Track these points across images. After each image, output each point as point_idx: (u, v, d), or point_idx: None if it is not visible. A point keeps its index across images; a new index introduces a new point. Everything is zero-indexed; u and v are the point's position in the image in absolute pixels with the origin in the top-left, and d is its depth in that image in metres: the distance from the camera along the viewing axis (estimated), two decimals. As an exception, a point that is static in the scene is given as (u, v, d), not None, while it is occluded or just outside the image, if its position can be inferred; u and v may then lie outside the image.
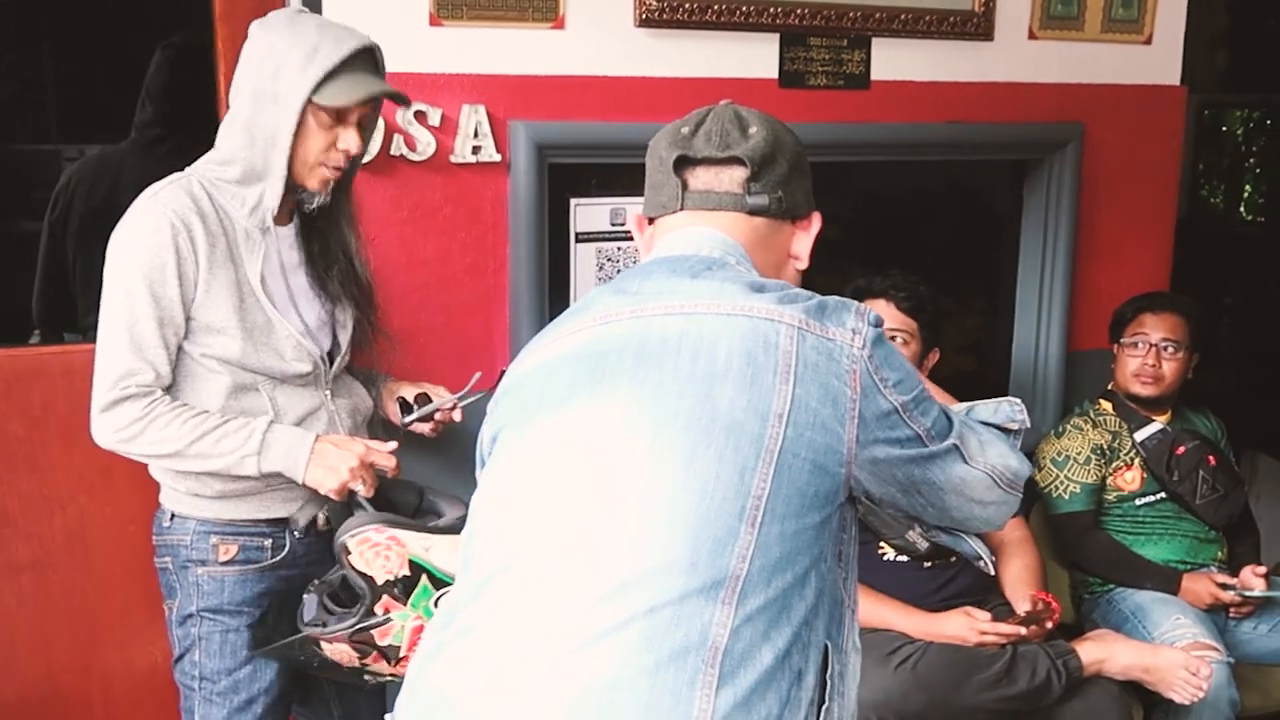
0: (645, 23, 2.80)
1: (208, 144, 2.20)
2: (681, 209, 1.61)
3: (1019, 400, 1.68)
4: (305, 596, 2.18)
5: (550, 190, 2.80)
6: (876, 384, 1.43)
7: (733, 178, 1.59)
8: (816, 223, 1.66)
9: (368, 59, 2.17)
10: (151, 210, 2.10)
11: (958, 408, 1.62)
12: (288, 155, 2.11)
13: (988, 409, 1.65)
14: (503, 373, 2.42)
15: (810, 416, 1.39)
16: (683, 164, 1.61)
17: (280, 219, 2.19)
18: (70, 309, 2.88)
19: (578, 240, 2.90)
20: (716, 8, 2.85)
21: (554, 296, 2.85)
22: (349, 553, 2.07)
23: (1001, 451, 1.56)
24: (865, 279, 2.98)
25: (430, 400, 2.41)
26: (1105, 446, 3.16)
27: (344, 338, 2.32)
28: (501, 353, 2.81)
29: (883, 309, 2.89)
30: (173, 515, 2.22)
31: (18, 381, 2.55)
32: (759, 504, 1.35)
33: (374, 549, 2.07)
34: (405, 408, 2.41)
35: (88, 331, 2.73)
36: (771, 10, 2.90)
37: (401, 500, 2.26)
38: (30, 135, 2.94)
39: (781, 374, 1.40)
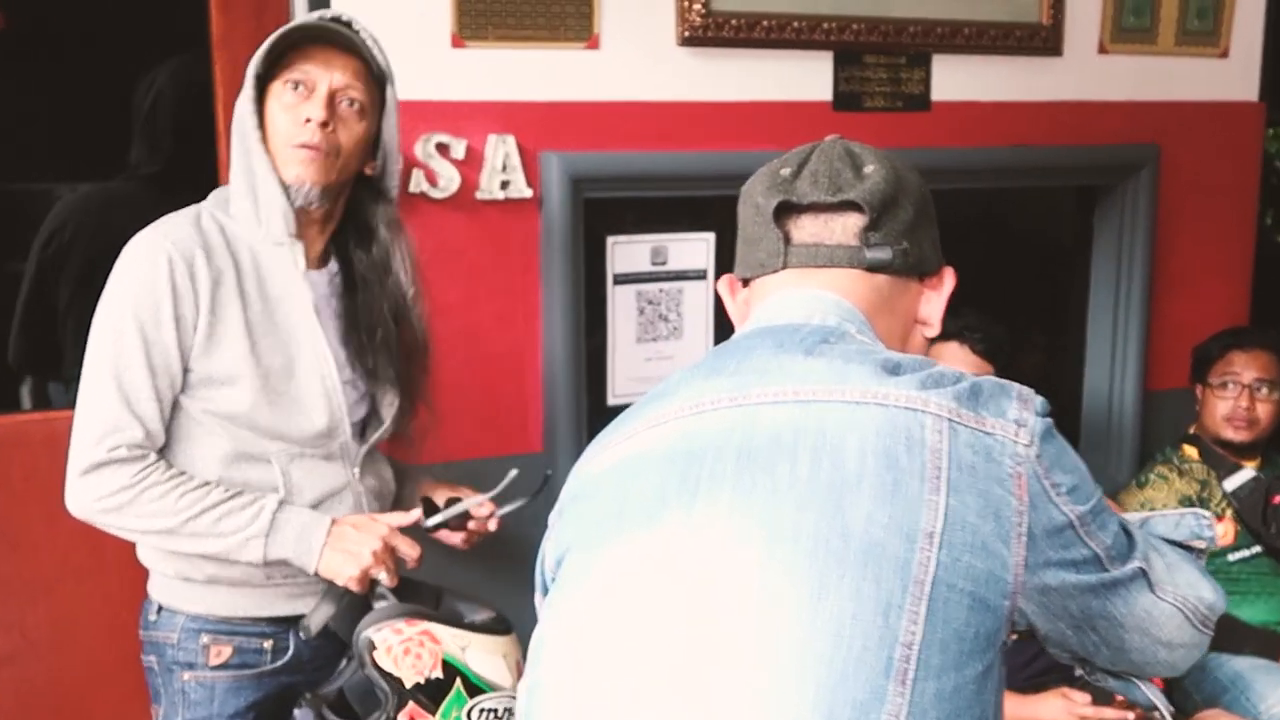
0: (688, 41, 2.53)
1: (208, 179, 1.92)
2: (784, 267, 1.31)
3: (1206, 512, 1.36)
4: (297, 713, 1.85)
5: (585, 228, 2.52)
6: (1047, 491, 1.13)
7: (846, 227, 1.30)
8: (949, 280, 1.36)
9: (341, 35, 1.88)
10: (149, 242, 1.83)
11: (1132, 518, 1.32)
12: (259, 141, 1.84)
13: (1167, 523, 1.34)
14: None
15: (968, 535, 1.09)
16: (785, 212, 1.31)
17: (312, 260, 1.92)
18: (55, 354, 2.59)
19: (616, 282, 2.62)
20: (766, 23, 2.57)
21: (590, 347, 2.57)
22: (374, 649, 1.78)
23: (1192, 579, 1.25)
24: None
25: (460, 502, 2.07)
26: (1193, 496, 2.88)
27: (387, 413, 2.02)
28: (535, 415, 2.53)
29: (955, 353, 2.61)
30: (160, 608, 1.92)
31: (-2, 451, 2.27)
32: (910, 654, 1.05)
33: (404, 644, 1.77)
34: (430, 508, 2.05)
35: (72, 383, 2.47)
36: (825, 25, 2.63)
37: (414, 602, 1.95)
38: (20, 173, 2.65)
39: (930, 480, 1.10)
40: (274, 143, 1.86)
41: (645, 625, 1.13)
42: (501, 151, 2.41)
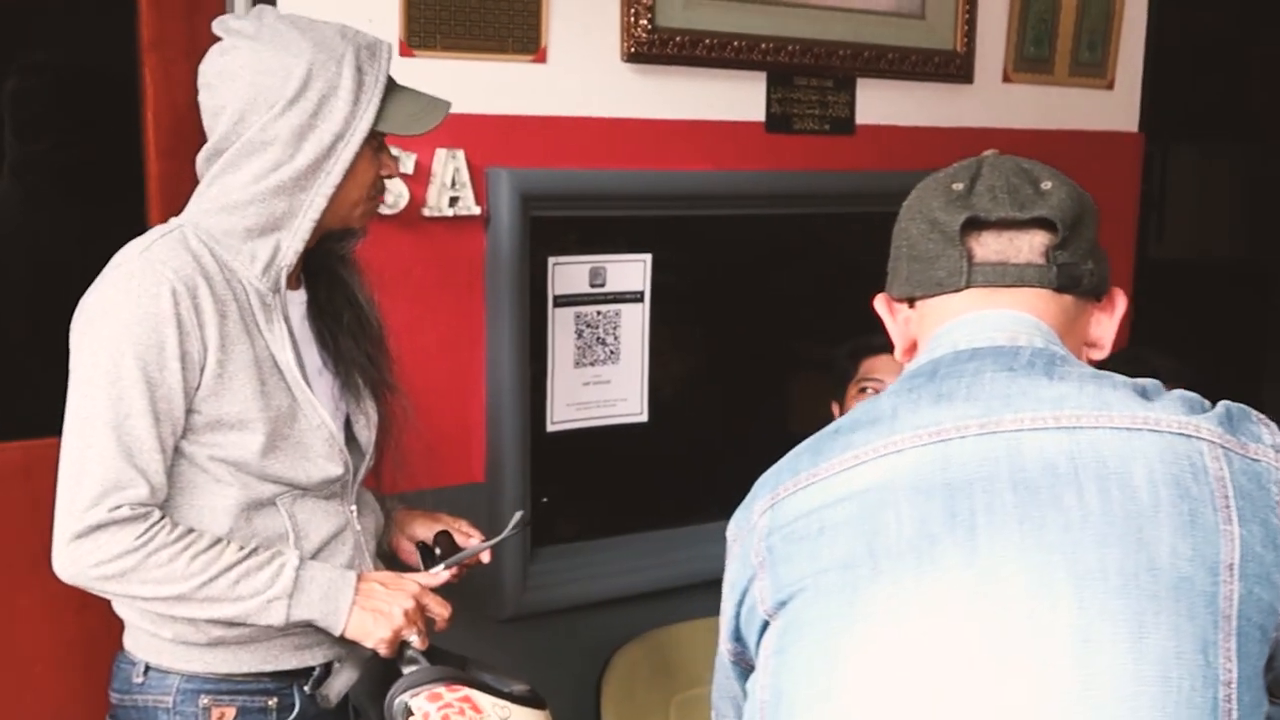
0: (633, 57, 2.46)
1: (126, 184, 1.80)
2: (967, 286, 1.26)
3: None
4: None
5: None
6: None
7: (1033, 245, 1.25)
8: (1122, 302, 1.33)
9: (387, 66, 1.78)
10: (145, 271, 1.62)
11: None
12: (330, 196, 1.69)
13: None
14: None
15: (1257, 566, 1.06)
16: (967, 228, 1.26)
17: (290, 281, 1.74)
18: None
19: (556, 304, 2.52)
20: (708, 41, 2.53)
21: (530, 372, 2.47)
22: (410, 714, 1.63)
23: None
24: (861, 337, 2.69)
25: (454, 541, 1.93)
26: None
27: (366, 436, 1.87)
28: (478, 444, 2.41)
29: (890, 363, 2.59)
30: (148, 668, 1.72)
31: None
32: (1230, 693, 1.02)
33: (443, 711, 1.63)
34: (426, 553, 1.92)
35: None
36: (763, 45, 2.61)
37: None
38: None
39: (1222, 510, 1.07)
40: (349, 194, 1.73)
41: (944, 674, 1.06)
42: (451, 167, 2.29)
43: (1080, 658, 1.03)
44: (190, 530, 1.63)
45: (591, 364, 2.58)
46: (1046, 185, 1.27)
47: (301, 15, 1.78)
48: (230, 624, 1.66)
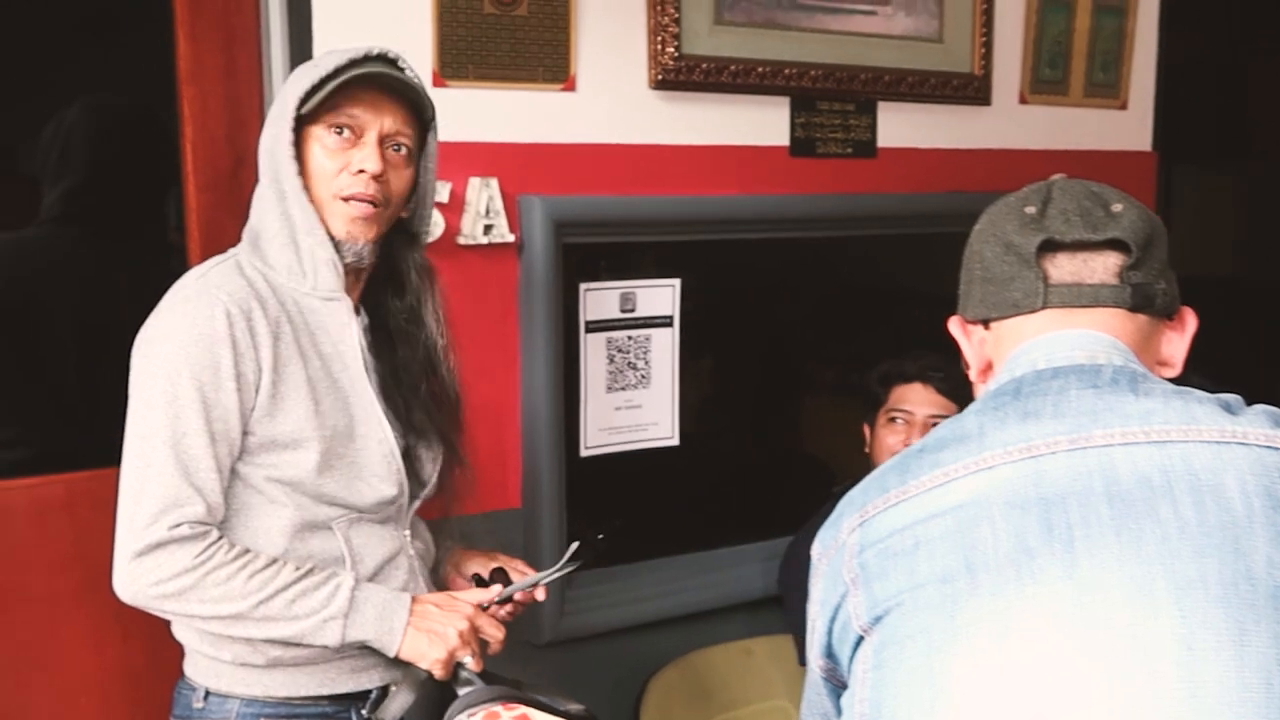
0: (660, 84, 2.49)
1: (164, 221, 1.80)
2: (1043, 307, 1.28)
3: None
4: None
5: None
6: None
7: (1106, 266, 1.28)
8: (1192, 321, 1.35)
9: (388, 69, 1.75)
10: (201, 295, 1.65)
11: None
12: (302, 189, 1.69)
13: None
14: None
15: None
16: (1044, 250, 1.28)
17: (352, 295, 1.77)
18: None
19: (588, 330, 2.54)
20: (733, 68, 2.56)
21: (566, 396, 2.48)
22: None
23: None
24: (892, 363, 2.72)
25: (507, 577, 1.93)
26: None
27: (430, 470, 1.88)
28: (514, 469, 2.42)
29: (919, 394, 2.63)
30: (207, 693, 1.72)
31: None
32: None
33: None
34: (480, 586, 1.92)
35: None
36: (786, 71, 2.64)
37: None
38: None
39: None
40: (318, 191, 1.71)
41: (1050, 684, 1.07)
42: (485, 195, 2.31)
43: (1185, 665, 1.04)
44: (247, 550, 1.64)
45: (623, 388, 2.60)
46: (1117, 207, 1.29)
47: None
48: (287, 644, 1.67)
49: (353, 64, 1.71)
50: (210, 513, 1.63)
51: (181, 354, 1.62)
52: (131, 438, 1.64)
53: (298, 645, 1.67)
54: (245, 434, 1.66)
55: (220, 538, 1.63)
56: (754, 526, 2.80)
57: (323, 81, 1.69)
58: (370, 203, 1.72)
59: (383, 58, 1.75)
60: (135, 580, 1.61)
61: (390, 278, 1.85)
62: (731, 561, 2.74)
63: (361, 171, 1.71)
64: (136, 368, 1.67)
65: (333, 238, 1.72)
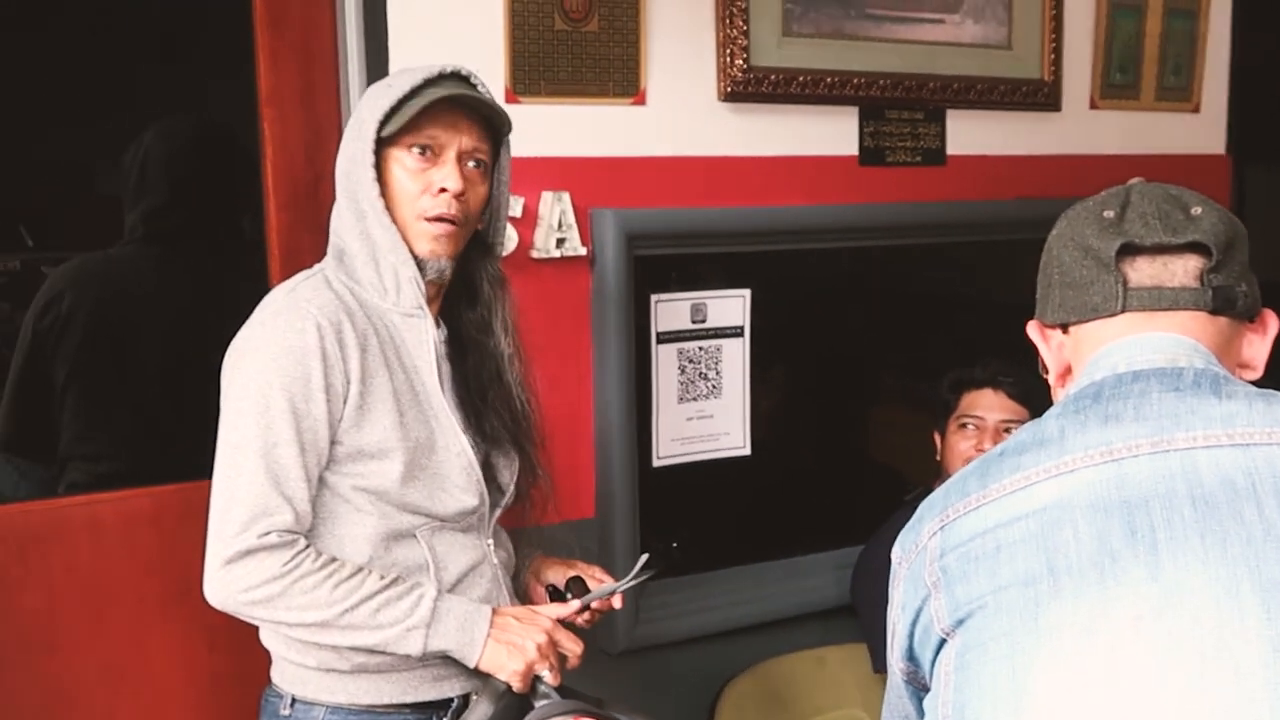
0: (730, 96, 2.50)
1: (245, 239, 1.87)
2: (1123, 310, 1.28)
3: None
4: None
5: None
6: None
7: (1186, 269, 1.27)
8: (1274, 323, 1.34)
9: (462, 87, 1.79)
10: (291, 309, 1.70)
11: None
12: (385, 210, 1.73)
13: None
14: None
15: None
16: (1123, 254, 1.28)
17: (431, 308, 1.82)
18: (48, 435, 2.39)
19: (659, 341, 2.56)
20: (801, 79, 2.57)
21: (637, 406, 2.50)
22: None
23: None
24: (963, 369, 2.71)
25: (586, 586, 1.96)
26: None
27: (507, 478, 1.92)
28: (586, 480, 2.45)
29: (990, 399, 2.63)
30: (294, 700, 1.77)
31: (34, 542, 2.07)
32: None
33: None
34: (556, 596, 1.96)
35: (65, 464, 2.29)
36: (855, 81, 2.65)
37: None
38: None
39: None
40: (401, 212, 1.76)
41: (1137, 684, 1.08)
42: (557, 209, 2.34)
43: (1272, 666, 1.05)
44: (333, 559, 1.68)
45: (694, 399, 2.61)
46: (1196, 210, 1.29)
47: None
48: (372, 652, 1.71)
49: (428, 83, 1.75)
50: (298, 521, 1.67)
51: (273, 366, 1.67)
52: (223, 447, 1.69)
53: (382, 653, 1.70)
54: (333, 444, 1.70)
55: (307, 546, 1.67)
56: (826, 535, 2.81)
57: (401, 102, 1.73)
58: (452, 222, 1.76)
59: (456, 75, 1.78)
60: (225, 586, 1.65)
61: (465, 288, 1.89)
62: (804, 570, 2.75)
63: (443, 190, 1.75)
64: (228, 379, 1.72)
65: (415, 255, 1.76)
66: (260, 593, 1.64)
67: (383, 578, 1.69)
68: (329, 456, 1.71)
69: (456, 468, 1.79)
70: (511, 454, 1.92)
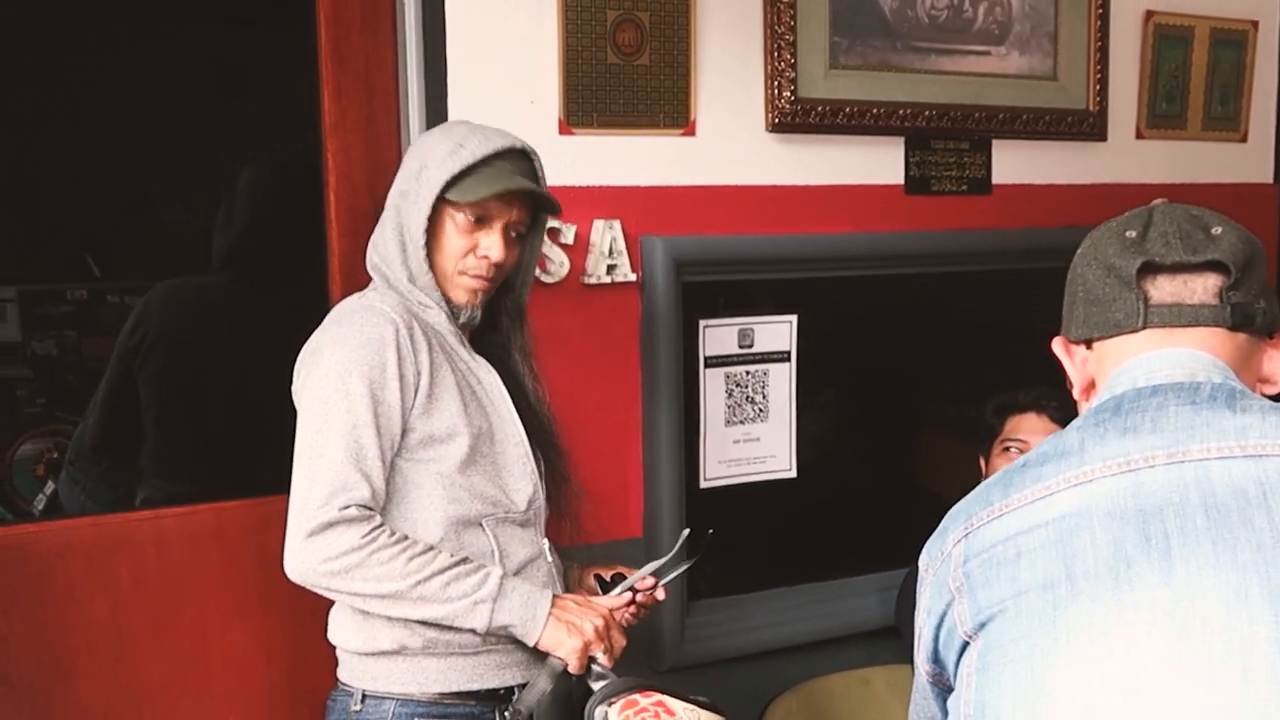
0: (777, 127, 2.57)
1: (313, 267, 2.03)
2: (1144, 327, 1.34)
3: None
4: None
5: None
6: None
7: (1206, 287, 1.32)
8: None
9: (522, 164, 1.94)
10: (366, 309, 1.87)
11: None
12: (425, 258, 1.89)
13: None
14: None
15: None
16: (1144, 272, 1.34)
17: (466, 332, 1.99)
18: (131, 447, 2.49)
19: (706, 365, 2.62)
20: (848, 110, 2.63)
21: (685, 429, 2.57)
22: None
23: None
24: (1006, 394, 2.75)
25: (625, 579, 2.06)
26: None
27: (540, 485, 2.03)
28: (635, 500, 2.52)
29: (1034, 423, 2.65)
30: (364, 696, 1.86)
31: (104, 554, 2.16)
32: None
33: (640, 714, 1.73)
34: (602, 585, 2.08)
35: (141, 477, 2.41)
36: (901, 112, 2.70)
37: None
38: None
39: None
40: (442, 263, 1.92)
41: (1149, 683, 1.13)
42: (608, 236, 2.42)
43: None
44: (406, 536, 1.80)
45: (741, 422, 2.67)
46: (1217, 230, 1.34)
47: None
48: (436, 629, 1.82)
49: (496, 156, 1.89)
50: (374, 498, 1.79)
51: (354, 356, 1.81)
52: (304, 432, 1.81)
53: (449, 629, 1.81)
54: (405, 431, 1.83)
55: (382, 523, 1.79)
56: (871, 558, 2.85)
57: (466, 171, 1.87)
58: (489, 281, 1.93)
59: (522, 152, 1.93)
60: (307, 558, 1.75)
61: (487, 318, 2.02)
62: (849, 592, 2.79)
63: (486, 257, 1.90)
64: (306, 373, 1.85)
65: (448, 298, 1.93)
66: (339, 564, 1.74)
67: (452, 555, 1.81)
68: (400, 444, 1.84)
69: (514, 457, 1.93)
70: (539, 457, 2.03)
